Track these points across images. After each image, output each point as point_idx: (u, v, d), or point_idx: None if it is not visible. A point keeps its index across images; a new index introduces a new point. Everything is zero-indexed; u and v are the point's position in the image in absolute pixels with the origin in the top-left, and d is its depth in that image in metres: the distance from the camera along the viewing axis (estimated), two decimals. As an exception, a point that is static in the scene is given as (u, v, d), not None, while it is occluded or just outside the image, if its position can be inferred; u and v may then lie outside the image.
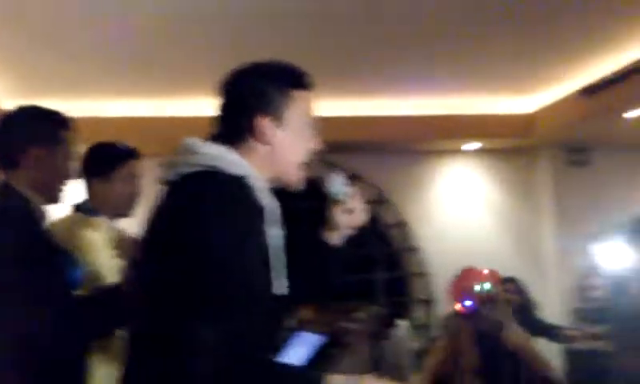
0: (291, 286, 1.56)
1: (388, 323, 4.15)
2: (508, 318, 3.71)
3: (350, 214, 1.77)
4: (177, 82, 5.10)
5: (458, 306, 3.86)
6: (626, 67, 4.80)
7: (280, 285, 1.51)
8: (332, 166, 6.00)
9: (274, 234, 1.52)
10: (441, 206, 6.67)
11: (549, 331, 4.88)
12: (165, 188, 1.52)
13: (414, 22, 4.10)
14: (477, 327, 3.71)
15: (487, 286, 3.72)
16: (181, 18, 3.87)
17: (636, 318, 4.14)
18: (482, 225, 6.65)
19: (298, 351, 1.70)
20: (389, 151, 6.39)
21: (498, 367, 3.58)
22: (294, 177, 1.62)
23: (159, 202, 1.52)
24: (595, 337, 4.66)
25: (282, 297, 1.52)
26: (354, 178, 6.32)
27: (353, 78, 5.23)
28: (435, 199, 6.68)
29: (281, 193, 1.63)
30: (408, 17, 4.01)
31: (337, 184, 1.75)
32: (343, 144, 5.58)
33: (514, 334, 3.53)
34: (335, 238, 1.78)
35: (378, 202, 6.37)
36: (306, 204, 2.75)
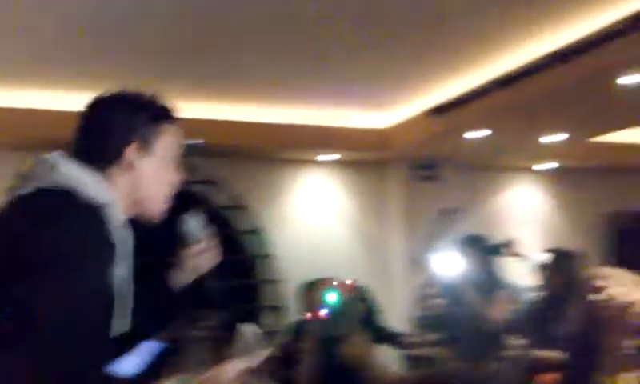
0: (133, 322, 1.52)
1: (233, 329, 4.12)
2: (353, 328, 3.81)
3: (202, 255, 1.78)
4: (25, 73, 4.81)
5: (308, 314, 3.92)
6: (471, 89, 5.12)
7: (121, 324, 1.46)
8: (190, 169, 6.02)
9: (120, 273, 1.46)
10: (296, 214, 6.78)
11: (390, 338, 5.08)
12: (13, 199, 1.43)
13: (275, 33, 4.14)
14: (322, 335, 3.78)
15: (337, 295, 3.80)
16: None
17: (468, 325, 4.42)
18: (334, 233, 6.84)
19: (133, 359, 1.66)
20: (246, 157, 6.40)
21: (330, 379, 3.68)
22: (156, 208, 1.59)
23: (3, 214, 1.42)
24: (432, 343, 4.91)
25: (121, 335, 1.47)
26: (210, 183, 6.27)
27: (212, 82, 5.19)
28: (290, 207, 6.77)
29: (136, 224, 1.58)
30: (268, 27, 4.03)
31: (193, 225, 1.74)
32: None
33: (353, 345, 3.62)
34: (184, 277, 1.78)
35: (233, 207, 6.35)
36: (159, 237, 2.68)
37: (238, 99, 5.62)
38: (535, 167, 7.36)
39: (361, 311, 4.83)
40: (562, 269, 4.20)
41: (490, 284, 4.44)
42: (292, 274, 6.11)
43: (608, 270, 3.22)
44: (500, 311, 4.35)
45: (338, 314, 3.78)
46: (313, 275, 5.41)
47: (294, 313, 5.68)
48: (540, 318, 4.19)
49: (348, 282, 4.13)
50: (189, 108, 5.51)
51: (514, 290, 4.70)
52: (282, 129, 6.01)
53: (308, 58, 4.66)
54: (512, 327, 4.30)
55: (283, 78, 5.09)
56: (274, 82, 5.20)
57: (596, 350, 2.43)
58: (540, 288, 4.47)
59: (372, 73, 5.02)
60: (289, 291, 6.03)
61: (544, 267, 4.40)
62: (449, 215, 4.56)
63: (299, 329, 5.32)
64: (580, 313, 3.92)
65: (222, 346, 3.84)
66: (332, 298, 3.82)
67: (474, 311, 4.33)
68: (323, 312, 3.82)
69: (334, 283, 3.94)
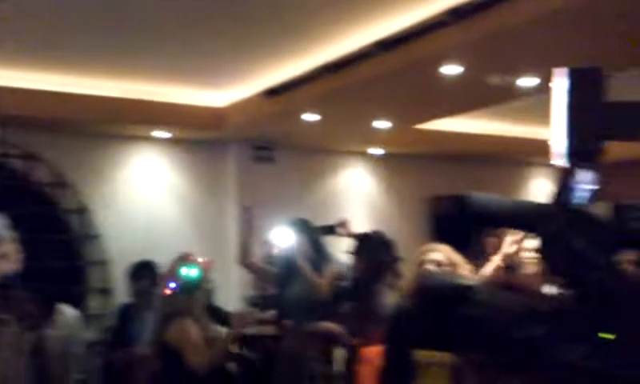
0: None
1: (49, 312, 3.90)
2: (194, 306, 3.69)
3: (1, 258, 1.64)
4: None
5: (166, 289, 3.76)
6: (304, 72, 5.20)
7: None
8: (4, 144, 5.58)
9: None
10: (127, 193, 6.52)
11: (223, 317, 5.06)
12: None
13: (106, 5, 3.95)
14: (166, 311, 3.65)
15: (194, 271, 3.67)
16: None
17: (299, 304, 4.52)
18: (168, 213, 6.68)
19: None
20: (73, 132, 6.05)
21: (161, 358, 3.59)
22: None
23: None
24: (263, 322, 4.96)
25: None
26: (29, 158, 5.85)
27: (32, 50, 4.83)
28: (122, 185, 6.51)
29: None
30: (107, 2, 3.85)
31: None
32: (18, 119, 5.12)
33: (176, 326, 3.53)
34: None
35: (57, 184, 5.98)
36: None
37: (63, 69, 5.28)
38: (370, 151, 7.65)
39: (209, 290, 4.77)
40: (367, 253, 4.40)
41: (319, 260, 4.59)
42: (121, 255, 5.88)
43: (433, 245, 3.43)
44: (327, 283, 4.53)
45: (185, 290, 3.67)
46: (145, 256, 5.27)
47: (122, 295, 5.49)
48: (349, 297, 4.40)
49: (201, 259, 4.00)
50: (6, 77, 5.13)
51: (341, 266, 4.89)
52: (111, 102, 5.73)
53: (142, 31, 4.49)
54: (335, 298, 4.51)
55: (115, 50, 4.86)
56: (105, 54, 4.95)
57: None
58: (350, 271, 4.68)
59: (208, 51, 4.94)
60: (118, 273, 5.80)
61: (352, 252, 4.61)
62: (248, 213, 4.69)
63: (125, 312, 5.16)
64: (388, 292, 4.14)
65: (36, 328, 3.60)
66: (186, 272, 3.69)
67: (306, 281, 4.49)
68: (171, 287, 3.69)
69: (196, 259, 3.81)
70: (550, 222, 0.98)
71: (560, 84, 1.02)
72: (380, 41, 4.43)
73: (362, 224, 6.58)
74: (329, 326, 4.44)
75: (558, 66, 4.01)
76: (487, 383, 2.95)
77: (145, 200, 6.59)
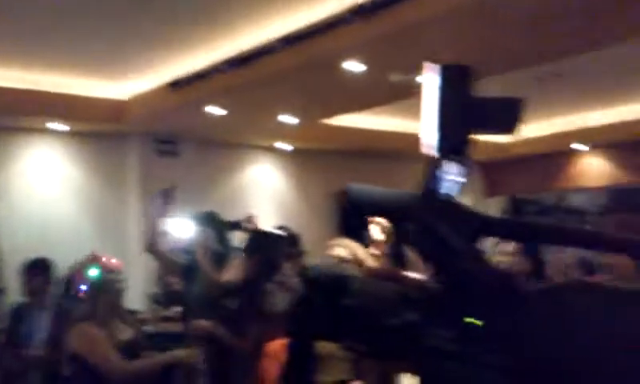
0: None
1: None
2: (107, 308, 3.54)
3: None
4: None
5: (78, 293, 3.58)
6: (208, 65, 5.13)
7: None
8: None
9: None
10: (21, 187, 6.23)
11: (125, 316, 4.93)
12: None
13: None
14: (76, 315, 3.50)
15: (95, 271, 3.51)
16: None
17: (200, 301, 4.45)
18: (65, 208, 6.43)
19: None
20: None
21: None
22: None
23: None
24: (166, 319, 4.87)
25: None
26: None
27: None
28: (15, 179, 6.21)
29: None
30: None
31: None
32: None
33: (78, 333, 3.40)
34: None
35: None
36: None
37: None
38: (278, 146, 7.64)
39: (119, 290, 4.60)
40: (257, 251, 4.38)
41: (223, 255, 4.52)
42: (17, 251, 5.60)
43: (339, 240, 3.47)
44: (229, 276, 4.47)
45: (94, 292, 3.50)
46: (41, 253, 5.04)
47: (16, 294, 5.24)
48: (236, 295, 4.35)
49: (112, 260, 3.84)
50: None
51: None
52: (3, 92, 5.45)
53: (37, 16, 4.29)
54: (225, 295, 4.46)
55: (6, 36, 4.62)
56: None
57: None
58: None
59: (109, 40, 4.79)
60: (11, 271, 5.53)
61: (242, 250, 4.61)
62: (167, 195, 4.52)
63: (17, 312, 4.91)
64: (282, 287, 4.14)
65: None
66: (93, 273, 3.53)
67: (207, 277, 4.40)
68: (82, 289, 3.52)
69: (96, 259, 3.63)
70: (419, 212, 1.01)
71: (430, 79, 1.04)
72: (284, 36, 4.43)
73: (270, 219, 6.58)
74: (204, 325, 4.31)
75: (457, 63, 4.11)
76: (368, 371, 3.02)
77: (40, 194, 6.32)
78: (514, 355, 0.93)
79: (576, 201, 9.75)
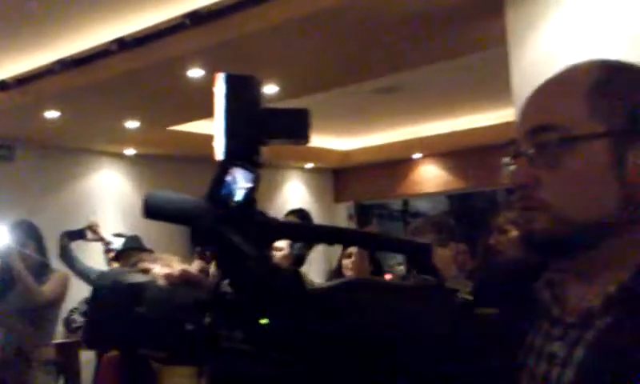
0: None
1: None
2: None
3: None
4: None
5: None
6: (42, 67, 4.89)
7: None
8: None
9: None
10: None
11: None
12: None
13: None
14: None
15: None
16: None
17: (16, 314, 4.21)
18: None
19: None
20: None
21: None
22: None
23: None
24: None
25: None
26: None
27: None
28: None
29: None
30: None
31: None
32: None
33: None
34: None
35: None
36: None
37: None
38: (125, 151, 7.41)
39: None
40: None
41: (41, 266, 4.34)
42: None
43: (158, 255, 3.44)
44: (52, 290, 4.29)
45: None
46: None
47: None
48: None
49: None
50: None
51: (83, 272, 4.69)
52: None
53: None
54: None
55: None
56: None
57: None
58: None
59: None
60: None
61: None
62: None
63: None
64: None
65: None
66: None
67: (25, 289, 4.18)
68: None
69: None
70: (204, 217, 1.04)
71: (219, 88, 1.09)
72: (120, 39, 4.32)
73: (116, 226, 6.36)
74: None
75: (296, 73, 4.24)
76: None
77: None
78: (297, 352, 0.98)
79: (420, 206, 10.35)
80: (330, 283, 1.12)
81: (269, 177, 8.83)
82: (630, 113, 0.84)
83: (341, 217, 9.53)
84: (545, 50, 3.17)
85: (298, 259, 3.63)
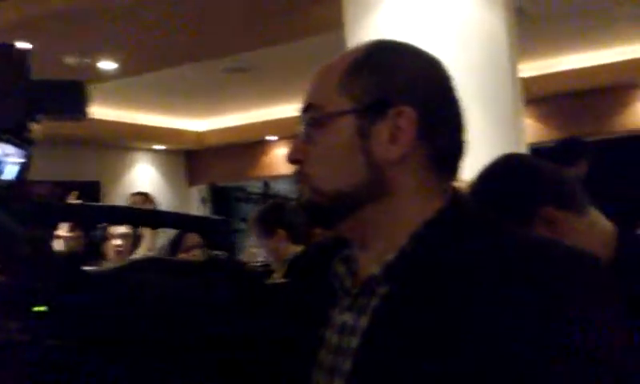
0: None
1: None
2: None
3: None
4: None
5: None
6: None
7: None
8: None
9: None
10: None
11: None
12: None
13: None
14: None
15: None
16: None
17: None
18: None
19: None
20: None
21: None
22: None
23: None
24: None
25: None
26: None
27: None
28: None
29: None
30: None
31: None
32: None
33: None
34: None
35: None
36: None
37: None
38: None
39: None
40: None
41: None
42: None
43: None
44: None
45: None
46: None
47: None
48: None
49: None
50: None
51: None
52: None
53: None
54: None
55: None
56: None
57: None
58: None
59: None
60: None
61: None
62: None
63: None
64: None
65: None
66: None
67: None
68: None
69: None
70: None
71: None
72: None
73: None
74: None
75: (135, 49, 4.03)
76: None
77: None
78: (80, 334, 0.95)
79: (280, 188, 10.37)
80: (117, 265, 1.07)
81: (115, 158, 8.48)
82: (373, 90, 0.88)
83: (196, 200, 9.36)
84: (380, 34, 3.22)
85: (92, 244, 3.47)
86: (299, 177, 0.92)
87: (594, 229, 1.31)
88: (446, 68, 0.93)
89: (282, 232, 2.92)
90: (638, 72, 6.20)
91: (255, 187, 10.46)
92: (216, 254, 1.16)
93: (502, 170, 1.35)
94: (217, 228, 1.21)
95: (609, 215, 1.34)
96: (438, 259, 0.83)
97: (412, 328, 0.80)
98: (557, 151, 4.75)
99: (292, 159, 0.92)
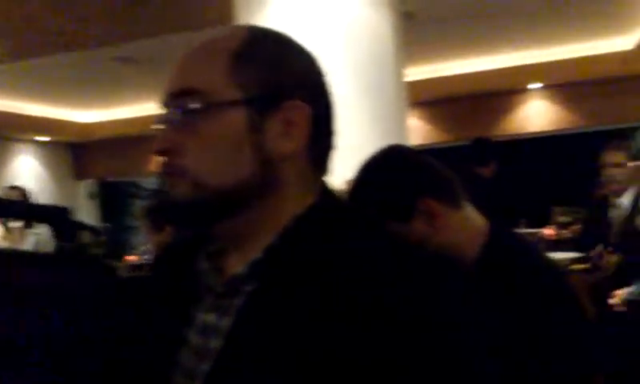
0: None
1: None
2: None
3: None
4: None
5: None
6: None
7: None
8: None
9: None
10: None
11: None
12: None
13: None
14: None
15: None
16: None
17: None
18: None
19: None
20: None
21: None
22: None
23: None
24: None
25: None
26: None
27: None
28: None
29: None
30: None
31: None
32: None
33: None
34: None
35: None
36: None
37: None
38: None
39: None
40: None
41: None
42: None
43: None
44: None
45: None
46: None
47: None
48: None
49: None
50: None
51: None
52: None
53: None
54: None
55: None
56: None
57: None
58: None
59: None
60: None
61: None
62: None
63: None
64: None
65: None
66: None
67: None
68: None
69: None
70: None
71: None
72: None
73: None
74: None
75: (14, 37, 3.75)
76: None
77: None
78: None
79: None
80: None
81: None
82: (267, 81, 0.83)
83: (83, 196, 8.97)
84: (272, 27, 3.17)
85: None
86: (170, 169, 0.83)
87: (468, 224, 1.33)
88: (320, 61, 0.89)
89: (170, 228, 2.82)
90: (523, 77, 6.49)
91: (149, 183, 10.14)
92: (63, 246, 1.07)
93: (382, 162, 1.36)
94: (62, 217, 1.11)
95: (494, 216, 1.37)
96: (303, 257, 0.80)
97: (274, 329, 0.77)
98: (468, 152, 4.89)
99: (161, 149, 0.83)
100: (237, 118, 0.81)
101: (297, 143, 0.83)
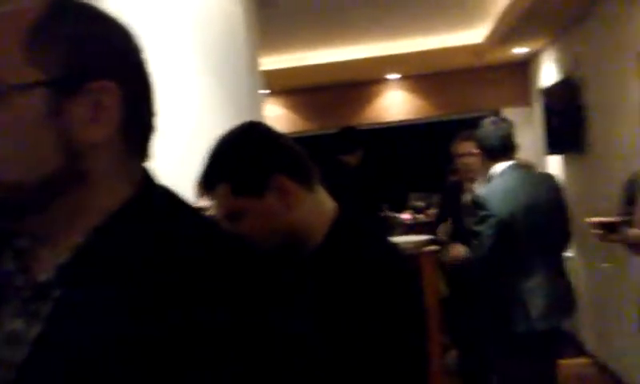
0: None
1: None
2: None
3: None
4: None
5: None
6: None
7: None
8: None
9: None
10: None
11: None
12: None
13: None
14: None
15: None
16: None
17: None
18: None
19: None
20: None
21: None
22: None
23: None
24: None
25: None
26: None
27: None
28: None
29: None
30: None
31: None
32: None
33: None
34: None
35: None
36: None
37: None
38: None
39: None
40: None
41: None
42: None
43: None
44: None
45: None
46: None
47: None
48: None
49: None
50: None
51: None
52: None
53: None
54: None
55: None
56: None
57: None
58: None
59: None
60: None
61: None
62: None
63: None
64: None
65: None
66: None
67: None
68: None
69: None
70: None
71: None
72: None
73: None
74: None
75: None
76: None
77: None
78: None
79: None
80: None
81: None
82: (70, 60, 0.74)
83: None
84: (117, 9, 3.00)
85: None
86: None
87: (319, 209, 1.32)
88: (137, 38, 0.80)
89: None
90: (382, 68, 6.69)
91: None
92: None
93: (239, 136, 1.34)
94: None
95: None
96: (112, 257, 0.73)
97: (83, 339, 0.70)
98: (335, 140, 4.95)
99: None
100: (35, 103, 0.72)
101: (108, 129, 0.75)
